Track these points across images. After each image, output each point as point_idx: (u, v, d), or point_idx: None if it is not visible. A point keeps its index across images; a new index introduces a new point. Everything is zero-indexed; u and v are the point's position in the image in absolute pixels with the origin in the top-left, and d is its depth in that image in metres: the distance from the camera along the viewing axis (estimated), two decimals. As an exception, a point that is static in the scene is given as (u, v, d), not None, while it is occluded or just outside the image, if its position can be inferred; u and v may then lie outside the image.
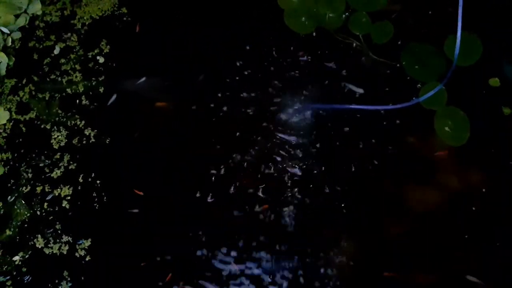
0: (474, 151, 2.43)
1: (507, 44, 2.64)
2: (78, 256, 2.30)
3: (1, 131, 2.52)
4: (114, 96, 2.58)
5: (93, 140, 2.49)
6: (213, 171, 2.42)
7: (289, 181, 2.41)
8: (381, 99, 2.52)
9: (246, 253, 2.28)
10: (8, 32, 2.66)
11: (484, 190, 2.37)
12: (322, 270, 2.24)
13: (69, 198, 2.40)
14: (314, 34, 2.66)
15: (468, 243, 2.27)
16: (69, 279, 2.26)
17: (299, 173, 2.42)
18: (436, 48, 2.57)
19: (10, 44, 2.66)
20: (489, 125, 2.46)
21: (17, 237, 2.35)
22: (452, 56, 2.51)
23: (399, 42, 2.61)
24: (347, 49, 2.63)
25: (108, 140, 2.50)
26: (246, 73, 2.62)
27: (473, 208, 2.33)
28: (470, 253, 2.26)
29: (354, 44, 2.63)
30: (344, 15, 2.64)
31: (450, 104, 2.47)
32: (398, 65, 2.57)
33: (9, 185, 2.44)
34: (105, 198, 2.39)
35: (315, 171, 2.42)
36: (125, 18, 2.73)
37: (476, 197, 2.36)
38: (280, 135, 2.50)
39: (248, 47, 2.66)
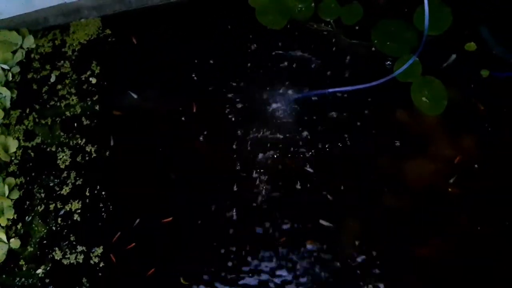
0: (457, 117, 2.47)
1: (480, 6, 2.65)
2: (93, 263, 2.51)
3: (12, 158, 2.77)
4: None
5: (94, 155, 2.70)
6: (204, 170, 2.57)
7: (283, 167, 2.53)
8: (358, 79, 2.58)
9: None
10: (8, 68, 2.91)
11: (474, 154, 2.42)
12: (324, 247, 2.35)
13: (79, 211, 2.62)
14: (287, 26, 2.74)
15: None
16: (88, 285, 2.47)
17: (293, 159, 2.53)
18: (406, 22, 2.61)
19: (11, 78, 2.91)
20: (468, 90, 2.49)
21: (38, 252, 2.59)
22: (423, 27, 2.55)
23: (369, 22, 2.67)
24: (321, 36, 2.71)
25: (107, 153, 2.69)
26: (229, 73, 2.74)
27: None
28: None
29: (326, 31, 2.70)
30: (312, 4, 2.71)
31: (427, 74, 2.52)
32: (370, 44, 2.63)
33: (25, 206, 2.68)
34: (111, 207, 2.59)
35: (308, 156, 2.52)
36: (109, 39, 2.91)
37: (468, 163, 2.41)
38: (270, 125, 2.61)
39: (227, 49, 2.78)
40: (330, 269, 2.31)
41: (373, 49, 2.62)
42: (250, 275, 2.35)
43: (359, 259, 2.31)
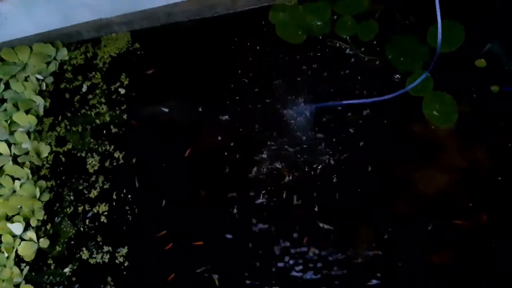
0: (467, 131, 2.58)
1: (490, 25, 2.77)
2: (118, 262, 2.63)
3: (44, 163, 2.93)
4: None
5: (121, 161, 2.85)
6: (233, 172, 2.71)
7: (297, 173, 2.65)
8: (372, 92, 2.71)
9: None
10: (42, 78, 3.09)
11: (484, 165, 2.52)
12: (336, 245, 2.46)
13: (106, 213, 2.76)
14: (305, 42, 2.89)
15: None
16: (112, 283, 2.60)
17: (311, 167, 2.66)
18: (419, 39, 2.74)
19: (44, 88, 3.09)
20: (478, 104, 2.61)
21: (66, 252, 2.72)
22: (436, 44, 2.68)
23: (384, 38, 2.81)
24: (337, 51, 2.85)
25: (134, 160, 2.84)
26: (249, 82, 2.90)
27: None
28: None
29: (343, 46, 2.85)
30: (330, 21, 2.86)
31: (438, 89, 2.64)
32: (385, 59, 2.76)
33: (55, 208, 2.83)
34: (136, 210, 2.73)
35: (325, 164, 2.65)
36: (138, 52, 3.09)
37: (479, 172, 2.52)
38: (286, 133, 2.74)
39: (249, 62, 2.94)
40: (340, 272, 2.41)
41: (387, 64, 2.76)
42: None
43: (371, 262, 2.42)
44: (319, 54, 2.86)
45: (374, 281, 2.38)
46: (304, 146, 2.71)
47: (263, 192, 2.63)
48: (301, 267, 2.46)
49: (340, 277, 2.41)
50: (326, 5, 2.89)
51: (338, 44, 2.86)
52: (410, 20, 2.84)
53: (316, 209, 2.56)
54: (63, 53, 3.15)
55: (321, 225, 2.53)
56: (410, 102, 2.65)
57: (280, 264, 2.48)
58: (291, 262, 2.48)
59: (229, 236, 2.58)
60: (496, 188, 2.46)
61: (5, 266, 2.72)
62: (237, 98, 2.87)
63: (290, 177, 2.65)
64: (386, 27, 2.82)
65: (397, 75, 2.72)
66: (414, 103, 2.64)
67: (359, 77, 2.77)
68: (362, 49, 2.82)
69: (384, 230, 2.48)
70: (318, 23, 2.88)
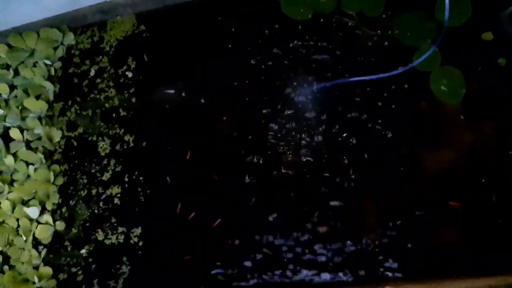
0: (474, 105, 2.59)
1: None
2: (132, 242, 2.70)
3: (56, 147, 2.98)
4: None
5: (132, 144, 2.89)
6: (243, 157, 2.74)
7: (308, 151, 2.69)
8: (379, 68, 2.71)
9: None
10: (50, 63, 3.11)
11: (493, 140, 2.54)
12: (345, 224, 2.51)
13: (119, 195, 2.81)
14: (311, 19, 2.88)
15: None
16: (127, 263, 2.67)
17: (318, 145, 2.69)
18: (426, 14, 2.72)
19: (53, 73, 3.11)
20: (485, 78, 2.60)
21: (81, 234, 2.79)
22: (443, 18, 2.66)
23: (391, 13, 2.79)
24: (344, 27, 2.84)
25: (144, 143, 2.88)
26: (256, 62, 2.90)
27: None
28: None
29: (350, 22, 2.84)
30: (335, -2, 2.85)
31: (445, 64, 2.63)
32: (392, 35, 2.75)
33: (69, 191, 2.88)
34: (148, 191, 2.78)
35: (332, 142, 2.68)
36: (144, 34, 3.10)
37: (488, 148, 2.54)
38: (294, 114, 2.77)
39: (254, 40, 2.94)
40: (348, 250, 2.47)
41: (394, 40, 2.75)
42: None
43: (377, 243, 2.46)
44: (325, 31, 2.85)
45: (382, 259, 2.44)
46: (311, 124, 2.73)
47: (275, 172, 2.67)
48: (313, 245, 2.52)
49: (347, 255, 2.47)
50: (331, -19, 2.87)
51: (344, 20, 2.84)
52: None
53: (323, 188, 2.59)
54: (70, 38, 3.16)
55: (330, 203, 2.57)
56: (418, 77, 2.65)
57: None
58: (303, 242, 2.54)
59: (242, 217, 2.63)
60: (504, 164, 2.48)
61: (23, 249, 2.80)
62: (244, 76, 2.88)
63: (298, 156, 2.68)
64: (392, 2, 2.80)
65: (404, 51, 2.70)
66: (421, 78, 2.65)
67: (365, 54, 2.77)
68: (369, 25, 2.80)
69: (390, 208, 2.52)
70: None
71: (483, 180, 2.48)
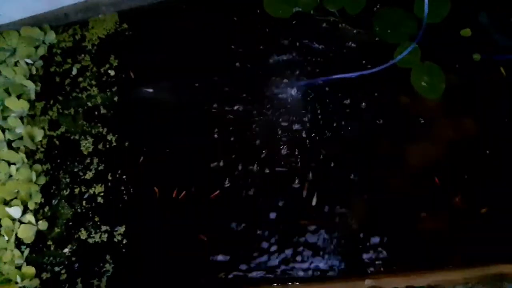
0: (453, 100, 2.63)
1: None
2: (116, 241, 2.69)
3: (38, 147, 2.96)
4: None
5: (114, 144, 2.88)
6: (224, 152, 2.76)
7: (292, 148, 2.70)
8: (361, 65, 2.74)
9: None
10: (32, 62, 3.09)
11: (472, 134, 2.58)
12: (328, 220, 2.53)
13: (102, 194, 2.80)
14: (293, 17, 2.89)
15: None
16: (111, 261, 2.66)
17: (302, 140, 2.70)
18: (406, 11, 2.75)
19: (35, 72, 3.09)
20: (462, 73, 2.65)
21: (64, 233, 2.78)
22: (423, 15, 2.69)
23: (372, 11, 2.82)
24: (325, 25, 2.87)
25: (127, 142, 2.87)
26: (238, 59, 2.92)
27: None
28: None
29: (331, 20, 2.86)
30: (317, -5, 2.86)
31: (425, 60, 2.67)
32: (372, 32, 2.78)
33: (51, 191, 2.87)
34: (131, 189, 2.77)
35: (317, 137, 2.70)
36: (127, 33, 3.09)
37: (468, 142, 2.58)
38: (276, 110, 2.78)
39: (236, 38, 2.95)
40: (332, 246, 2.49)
41: (375, 37, 2.78)
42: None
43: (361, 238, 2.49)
44: (307, 28, 2.87)
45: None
46: (293, 121, 2.74)
47: (252, 164, 2.69)
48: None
49: (328, 249, 2.49)
50: (313, -22, 2.89)
51: (326, 18, 2.87)
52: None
53: (305, 184, 2.61)
54: (51, 37, 3.15)
55: (310, 200, 2.59)
56: (398, 74, 2.68)
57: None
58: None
59: (226, 217, 2.64)
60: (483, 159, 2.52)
61: (6, 249, 2.77)
62: (226, 73, 2.90)
63: (279, 152, 2.70)
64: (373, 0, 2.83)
65: (386, 48, 2.73)
66: (402, 75, 2.67)
67: (347, 51, 2.79)
68: (350, 22, 2.83)
69: (372, 203, 2.55)
70: (305, -3, 2.89)
71: (463, 174, 2.52)
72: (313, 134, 2.70)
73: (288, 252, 2.51)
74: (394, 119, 2.66)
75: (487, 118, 2.59)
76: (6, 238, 2.78)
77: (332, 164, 2.63)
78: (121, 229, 2.71)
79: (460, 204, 2.45)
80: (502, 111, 2.58)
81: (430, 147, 2.60)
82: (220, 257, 2.57)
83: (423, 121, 2.64)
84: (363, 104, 2.70)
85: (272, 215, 2.58)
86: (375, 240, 2.46)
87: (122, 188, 2.78)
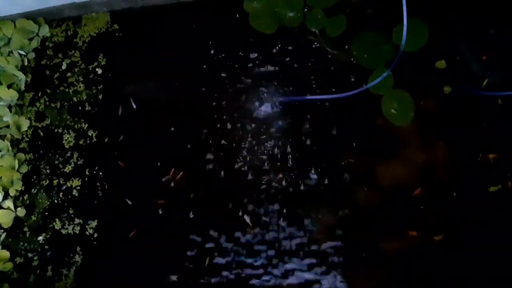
0: (422, 128, 2.70)
1: (455, 25, 2.84)
2: (88, 234, 2.83)
3: (24, 136, 3.09)
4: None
5: (94, 140, 3.00)
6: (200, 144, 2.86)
7: (264, 165, 2.79)
8: (336, 88, 2.81)
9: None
10: (24, 53, 3.21)
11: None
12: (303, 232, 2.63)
13: (78, 188, 2.94)
14: (276, 33, 2.95)
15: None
16: (81, 253, 2.80)
17: (273, 158, 2.80)
18: (385, 36, 2.80)
19: (26, 63, 3.22)
20: (432, 104, 2.71)
21: (40, 221, 2.92)
22: (400, 43, 2.74)
23: (352, 34, 2.87)
24: (306, 44, 2.94)
25: (106, 139, 2.99)
26: (220, 65, 3.01)
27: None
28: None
29: (312, 39, 2.93)
30: (300, 14, 2.91)
31: (398, 87, 2.73)
32: (351, 55, 2.84)
33: (32, 180, 3.01)
34: (106, 186, 2.90)
35: (286, 157, 2.78)
36: (117, 34, 3.20)
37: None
38: (251, 123, 2.87)
39: (219, 49, 3.04)
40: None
41: (352, 60, 2.85)
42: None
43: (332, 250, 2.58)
44: (288, 46, 2.95)
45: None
46: (265, 138, 2.83)
47: (231, 178, 2.79)
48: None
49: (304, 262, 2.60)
50: (299, -4, 2.95)
51: (307, 37, 2.94)
52: (379, 17, 2.90)
53: (277, 201, 2.71)
54: (45, 30, 3.26)
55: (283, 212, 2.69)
56: (371, 99, 2.75)
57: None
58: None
59: (202, 213, 2.75)
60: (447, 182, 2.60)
61: (-16, 231, 2.94)
62: (207, 83, 2.99)
63: (252, 168, 2.79)
64: (355, 23, 2.88)
65: (362, 71, 2.79)
66: (375, 100, 2.74)
67: (324, 72, 2.87)
68: (330, 44, 2.90)
69: (345, 220, 2.62)
70: (290, 14, 2.94)
71: (434, 195, 2.58)
72: (280, 154, 2.78)
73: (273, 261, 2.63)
74: (364, 143, 2.73)
75: (455, 144, 2.66)
76: (-15, 221, 2.93)
77: (299, 184, 2.72)
78: (93, 223, 2.85)
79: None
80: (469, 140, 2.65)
81: (399, 169, 2.68)
82: (189, 253, 2.68)
83: (392, 145, 2.71)
84: (335, 126, 2.77)
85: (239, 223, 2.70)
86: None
87: (98, 184, 2.91)
